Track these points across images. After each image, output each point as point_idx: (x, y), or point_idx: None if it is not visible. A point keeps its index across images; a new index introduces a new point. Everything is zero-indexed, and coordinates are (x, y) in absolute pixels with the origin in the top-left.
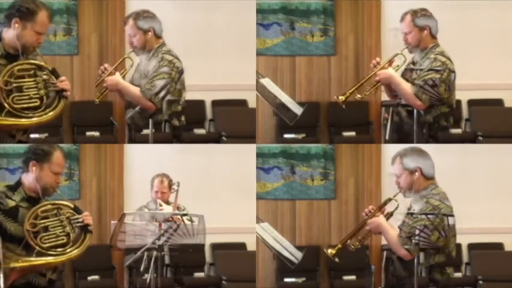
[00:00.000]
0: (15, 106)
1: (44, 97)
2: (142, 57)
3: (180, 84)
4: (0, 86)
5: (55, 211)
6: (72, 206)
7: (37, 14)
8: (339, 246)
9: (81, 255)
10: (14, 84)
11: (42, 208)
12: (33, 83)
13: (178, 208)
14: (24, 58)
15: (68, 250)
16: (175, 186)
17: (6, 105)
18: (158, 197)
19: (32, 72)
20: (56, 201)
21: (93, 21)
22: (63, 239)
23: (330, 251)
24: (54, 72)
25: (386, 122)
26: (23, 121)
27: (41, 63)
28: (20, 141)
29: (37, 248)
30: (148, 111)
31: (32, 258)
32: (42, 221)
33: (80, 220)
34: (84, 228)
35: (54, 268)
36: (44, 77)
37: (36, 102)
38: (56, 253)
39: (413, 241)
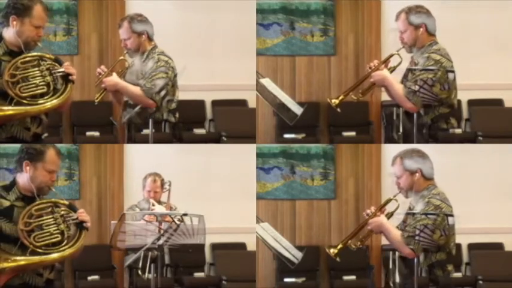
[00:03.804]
0: (22, 95)
1: (51, 83)
2: (136, 59)
3: (174, 83)
4: (7, 79)
5: (50, 209)
6: (67, 203)
7: (33, 8)
8: (341, 246)
9: (75, 253)
10: (20, 76)
11: (37, 207)
12: (37, 71)
13: (170, 208)
14: (26, 53)
15: (62, 248)
16: (167, 186)
17: (13, 95)
18: (151, 196)
19: (35, 62)
20: (51, 200)
21: (93, 21)
22: (57, 237)
23: (332, 250)
24: (57, 60)
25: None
26: (32, 108)
27: (43, 54)
28: (35, 134)
29: (31, 246)
30: (147, 111)
31: (20, 258)
32: (36, 220)
33: (75, 217)
34: (80, 225)
35: (52, 267)
36: (48, 65)
37: (43, 89)
38: (48, 251)
39: (417, 240)
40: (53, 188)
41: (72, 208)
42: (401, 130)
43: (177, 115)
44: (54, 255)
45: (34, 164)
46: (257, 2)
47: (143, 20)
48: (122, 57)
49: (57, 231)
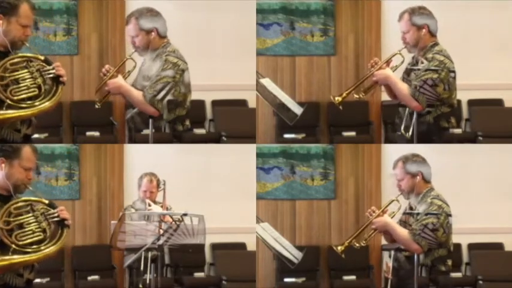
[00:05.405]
0: (14, 98)
1: (42, 85)
2: (146, 58)
3: (184, 87)
4: None
5: (28, 208)
6: (46, 201)
7: (19, 7)
8: (347, 244)
9: (58, 251)
10: (10, 78)
11: (15, 205)
12: (27, 73)
13: (166, 208)
14: (14, 54)
15: (45, 246)
16: (162, 185)
17: (4, 98)
18: (147, 196)
19: (24, 64)
20: (29, 198)
21: (93, 21)
22: (39, 235)
23: (339, 247)
24: (47, 61)
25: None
26: (24, 111)
27: (31, 55)
28: (25, 135)
29: (13, 246)
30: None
31: (8, 257)
32: (16, 218)
33: (56, 215)
34: (61, 223)
35: (32, 267)
36: (37, 66)
37: (34, 91)
38: (33, 250)
39: (423, 237)
40: (29, 186)
41: (52, 206)
42: (402, 129)
43: (187, 122)
44: (39, 254)
45: (10, 161)
46: (257, 2)
47: (153, 15)
48: (128, 57)
49: (39, 229)
